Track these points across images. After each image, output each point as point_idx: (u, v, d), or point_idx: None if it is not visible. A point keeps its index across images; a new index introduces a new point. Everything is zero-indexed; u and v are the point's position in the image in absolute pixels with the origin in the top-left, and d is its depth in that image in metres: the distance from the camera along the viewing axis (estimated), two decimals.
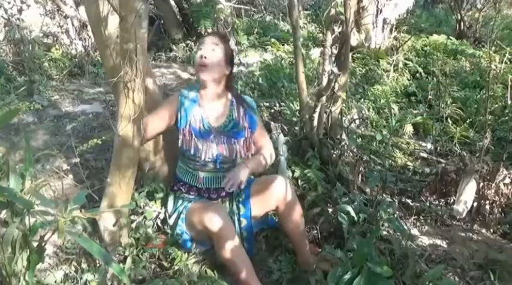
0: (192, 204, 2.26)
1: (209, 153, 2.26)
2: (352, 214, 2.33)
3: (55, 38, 4.92)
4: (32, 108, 2.08)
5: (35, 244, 1.34)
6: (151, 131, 2.24)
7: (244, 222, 2.27)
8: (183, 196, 2.33)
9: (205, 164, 2.28)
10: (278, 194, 2.23)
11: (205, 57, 2.21)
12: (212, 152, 2.26)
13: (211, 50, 2.22)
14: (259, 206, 2.29)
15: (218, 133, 2.30)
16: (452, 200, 2.91)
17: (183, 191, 2.34)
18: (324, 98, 2.90)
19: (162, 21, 5.67)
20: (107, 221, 2.09)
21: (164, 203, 2.40)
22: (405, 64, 5.32)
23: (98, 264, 2.06)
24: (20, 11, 4.31)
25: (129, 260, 2.05)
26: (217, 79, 2.28)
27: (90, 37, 4.96)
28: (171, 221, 2.31)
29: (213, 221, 2.01)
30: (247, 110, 2.38)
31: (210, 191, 2.32)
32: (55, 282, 1.97)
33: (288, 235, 2.33)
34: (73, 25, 4.96)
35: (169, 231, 2.31)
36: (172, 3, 5.72)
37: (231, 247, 2.01)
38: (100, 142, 2.19)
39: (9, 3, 4.23)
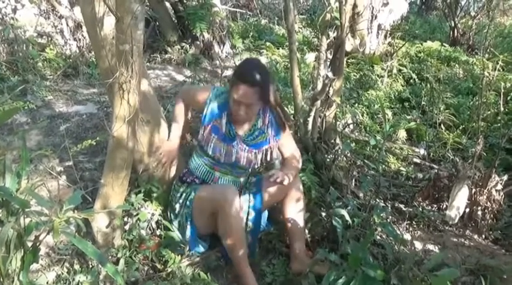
0: (202, 186, 2.31)
1: (228, 157, 2.30)
2: (347, 218, 2.34)
3: (49, 38, 4.88)
4: (26, 107, 2.07)
5: (29, 244, 1.33)
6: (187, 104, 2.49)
7: (252, 214, 2.32)
8: (194, 187, 2.34)
9: (221, 165, 2.34)
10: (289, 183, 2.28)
11: (239, 115, 2.25)
12: (231, 157, 2.30)
13: (245, 108, 2.22)
14: (269, 197, 2.36)
15: (241, 141, 2.34)
16: (444, 206, 2.93)
17: (196, 183, 2.37)
18: (318, 102, 2.91)
19: (157, 23, 5.66)
20: (100, 222, 2.08)
21: (163, 201, 2.42)
22: (399, 70, 5.36)
23: (91, 266, 2.05)
24: (15, 10, 4.28)
25: (122, 262, 2.04)
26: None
27: (84, 38, 4.94)
28: (176, 208, 2.35)
29: (226, 193, 2.09)
30: (272, 118, 2.40)
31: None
32: (47, 283, 1.96)
33: (287, 228, 2.37)
34: (68, 25, 4.92)
35: (162, 233, 2.30)
36: (168, 5, 5.71)
37: (234, 225, 2.10)
38: (94, 143, 2.19)
39: (3, 2, 4.20)
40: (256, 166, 2.41)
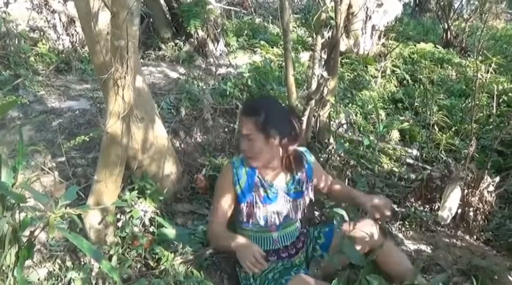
0: (293, 282, 1.90)
1: (276, 217, 2.09)
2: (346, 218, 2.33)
3: (42, 33, 4.84)
4: (18, 102, 2.05)
5: (24, 240, 1.32)
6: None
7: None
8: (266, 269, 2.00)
9: (271, 226, 2.10)
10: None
11: (244, 150, 2.05)
12: (278, 215, 2.09)
13: (247, 141, 2.01)
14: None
15: (283, 193, 2.11)
16: (437, 207, 2.94)
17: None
18: (313, 102, 2.91)
19: (151, 20, 5.63)
20: (92, 218, 2.06)
21: (156, 198, 2.36)
22: (393, 71, 5.38)
23: (83, 262, 2.03)
24: (7, 4, 4.25)
25: (114, 259, 2.02)
26: (271, 158, 2.06)
27: (77, 33, 4.90)
28: None
29: None
30: (305, 163, 2.20)
31: (288, 248, 2.16)
32: (38, 279, 1.93)
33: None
34: (60, 20, 4.88)
35: (156, 230, 2.29)
36: (162, 2, 5.68)
37: None
38: (87, 139, 2.17)
39: None
40: (301, 215, 2.19)
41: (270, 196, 2.07)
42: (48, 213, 1.23)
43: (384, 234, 2.10)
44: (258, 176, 2.08)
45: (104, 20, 2.05)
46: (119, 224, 2.19)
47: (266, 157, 2.04)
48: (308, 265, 2.14)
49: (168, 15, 5.71)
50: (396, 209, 2.99)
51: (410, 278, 1.94)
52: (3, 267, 1.31)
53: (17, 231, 1.30)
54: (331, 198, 2.57)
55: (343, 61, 5.41)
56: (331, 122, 3.24)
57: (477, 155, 3.40)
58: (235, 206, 2.11)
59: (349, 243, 1.94)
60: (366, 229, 2.01)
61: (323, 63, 3.12)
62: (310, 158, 2.26)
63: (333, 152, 3.05)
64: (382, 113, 4.48)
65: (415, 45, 6.25)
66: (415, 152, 3.87)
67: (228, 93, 3.89)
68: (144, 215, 2.32)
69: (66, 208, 1.37)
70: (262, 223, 2.06)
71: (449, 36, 6.85)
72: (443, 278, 2.05)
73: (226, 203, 2.09)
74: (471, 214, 2.82)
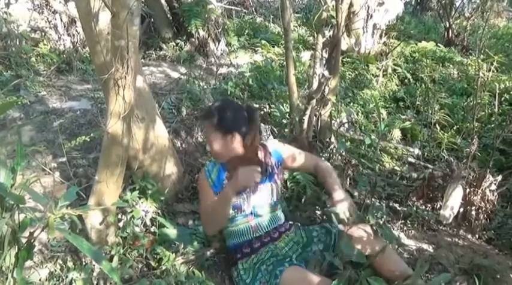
0: (286, 273, 1.92)
1: (250, 204, 2.17)
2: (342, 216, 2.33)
3: (43, 33, 4.85)
4: (19, 103, 2.05)
5: (23, 241, 1.31)
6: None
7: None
8: (252, 261, 2.12)
9: (248, 214, 2.19)
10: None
11: (210, 151, 2.26)
12: (253, 201, 2.18)
13: (209, 142, 2.22)
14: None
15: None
16: (438, 206, 2.93)
17: (247, 252, 2.15)
18: (314, 101, 2.90)
19: (152, 20, 5.64)
20: (93, 219, 2.06)
21: (157, 198, 2.38)
22: (394, 70, 5.37)
23: (84, 263, 2.03)
24: (8, 4, 4.25)
25: (115, 259, 2.02)
26: (234, 153, 2.20)
27: (78, 33, 4.91)
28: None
29: None
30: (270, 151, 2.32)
31: (270, 233, 2.20)
32: (39, 280, 1.93)
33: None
34: (61, 20, 4.89)
35: (157, 230, 2.29)
36: (163, 2, 5.68)
37: None
38: (88, 140, 2.17)
39: None
40: (277, 199, 2.27)
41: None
42: (48, 214, 1.22)
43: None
44: (227, 171, 2.20)
45: (104, 20, 2.05)
46: (120, 224, 2.18)
47: (229, 153, 2.18)
48: (306, 264, 2.13)
49: (169, 15, 5.71)
50: (398, 208, 2.99)
51: (412, 279, 1.94)
52: (3, 269, 1.31)
53: (16, 232, 1.29)
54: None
55: (344, 60, 5.40)
56: (333, 121, 3.23)
57: (479, 154, 3.39)
58: None
59: (348, 241, 1.96)
60: (366, 230, 2.06)
61: (324, 62, 3.11)
62: (276, 145, 2.38)
63: (334, 151, 3.04)
64: (384, 112, 4.47)
65: (416, 44, 6.24)
66: (416, 151, 3.86)
67: (229, 92, 3.90)
68: (145, 215, 2.32)
69: (66, 209, 1.37)
70: (241, 211, 2.15)
71: (450, 35, 6.84)
72: (446, 279, 2.04)
73: (208, 196, 2.19)
74: (473, 212, 2.80)
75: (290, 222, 2.33)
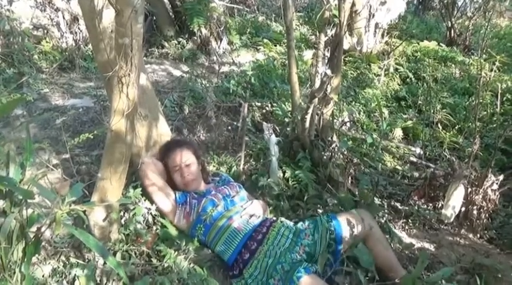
0: (304, 281, 1.95)
1: (218, 200, 2.39)
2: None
3: (45, 31, 4.85)
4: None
5: (31, 236, 1.32)
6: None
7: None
8: (257, 263, 2.15)
9: (223, 212, 2.35)
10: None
11: (185, 177, 2.49)
12: (219, 198, 2.41)
13: (189, 168, 2.51)
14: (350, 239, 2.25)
15: (214, 186, 2.60)
16: (440, 205, 2.94)
17: (248, 257, 2.19)
18: (316, 100, 2.90)
19: (154, 18, 5.64)
20: (97, 215, 2.07)
21: None
22: (396, 69, 5.37)
23: (87, 259, 2.03)
24: (10, 2, 4.24)
25: (118, 256, 2.02)
26: (199, 175, 2.59)
27: (81, 31, 4.91)
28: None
29: None
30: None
31: (257, 229, 2.30)
32: (43, 276, 1.94)
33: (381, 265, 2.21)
34: (64, 18, 4.89)
35: (159, 227, 2.30)
36: (165, 0, 5.69)
37: None
38: (91, 137, 2.17)
39: None
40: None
41: (202, 194, 2.45)
42: (55, 209, 1.23)
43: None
44: (189, 193, 2.46)
45: (108, 17, 2.05)
46: (123, 221, 2.19)
47: (199, 175, 2.55)
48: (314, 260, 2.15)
49: (171, 13, 5.71)
50: (399, 207, 2.99)
51: (413, 273, 2.00)
52: (11, 263, 1.31)
53: (25, 227, 1.30)
54: None
55: (346, 59, 5.40)
56: (335, 120, 3.23)
57: (481, 154, 3.39)
58: (193, 223, 2.36)
59: (363, 247, 2.10)
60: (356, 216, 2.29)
61: (326, 61, 3.11)
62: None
63: (336, 150, 3.04)
64: (386, 111, 4.47)
65: (418, 43, 6.24)
66: (418, 150, 3.86)
67: (231, 91, 3.90)
68: (148, 213, 2.32)
69: (72, 205, 1.38)
70: (209, 211, 2.33)
71: (452, 34, 6.83)
72: (447, 273, 2.06)
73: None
74: (475, 212, 2.81)
75: (267, 217, 2.51)
